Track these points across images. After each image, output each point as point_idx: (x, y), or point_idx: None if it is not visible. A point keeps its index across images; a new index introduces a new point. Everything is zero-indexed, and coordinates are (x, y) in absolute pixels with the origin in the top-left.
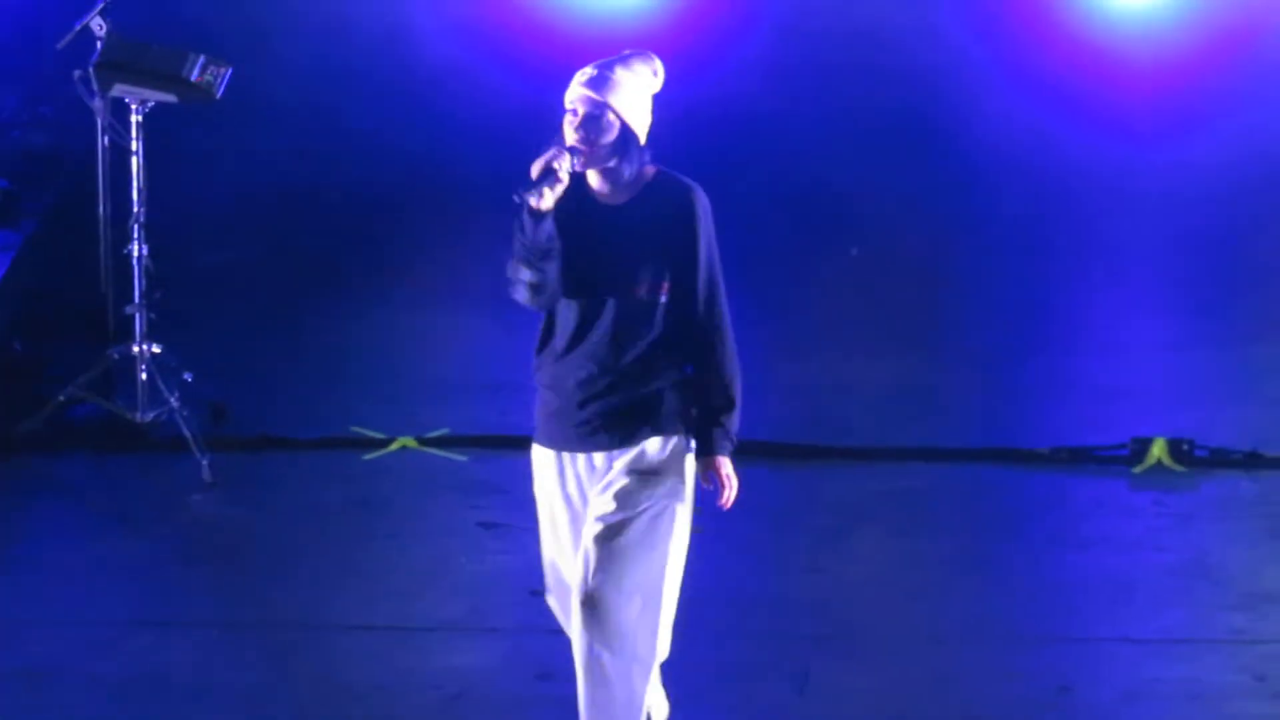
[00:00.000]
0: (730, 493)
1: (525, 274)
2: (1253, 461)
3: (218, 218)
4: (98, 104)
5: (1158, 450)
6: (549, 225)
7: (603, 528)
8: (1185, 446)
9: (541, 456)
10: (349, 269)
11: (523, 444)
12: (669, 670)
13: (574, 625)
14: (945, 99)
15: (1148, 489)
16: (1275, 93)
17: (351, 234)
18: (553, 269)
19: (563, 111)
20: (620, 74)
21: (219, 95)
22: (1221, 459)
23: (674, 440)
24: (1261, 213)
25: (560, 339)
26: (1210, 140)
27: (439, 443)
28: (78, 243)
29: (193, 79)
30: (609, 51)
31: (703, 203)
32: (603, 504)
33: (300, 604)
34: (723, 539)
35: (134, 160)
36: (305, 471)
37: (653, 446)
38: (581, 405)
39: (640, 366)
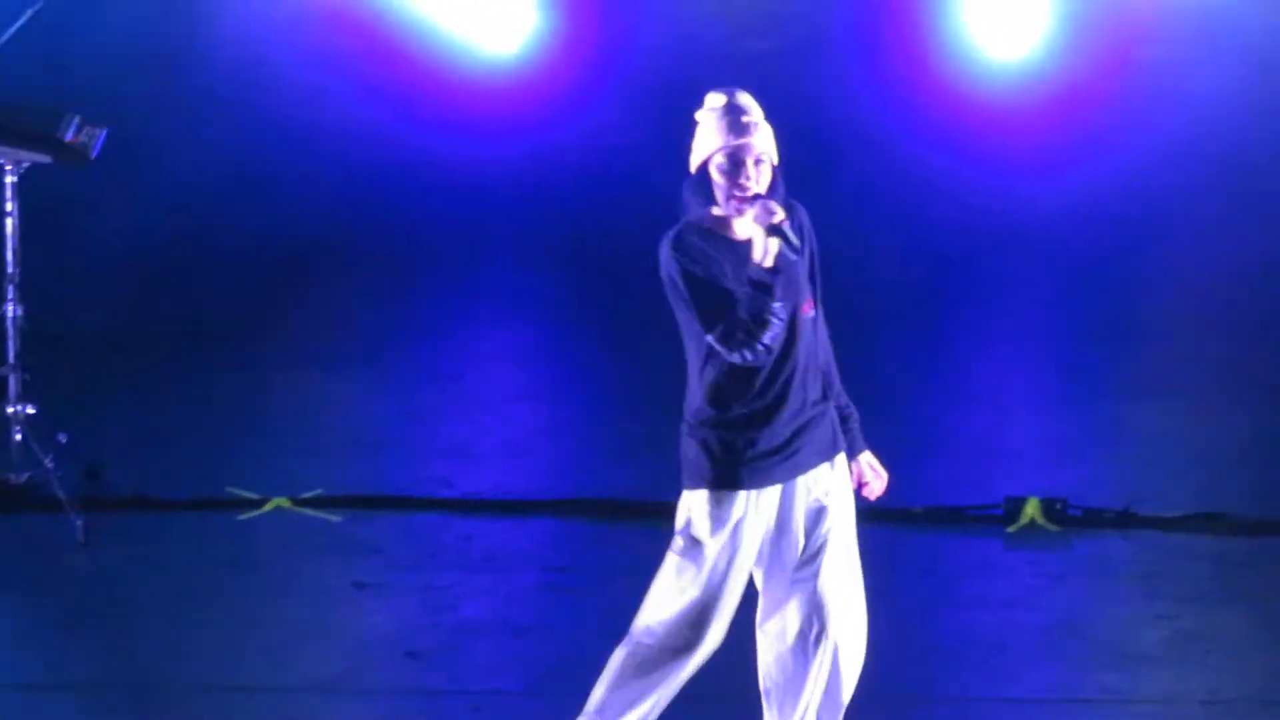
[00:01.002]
0: (884, 480)
1: (763, 339)
2: (1126, 520)
3: (93, 278)
4: None
5: (1031, 510)
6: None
7: (829, 552)
8: (1059, 506)
9: (723, 500)
10: (223, 329)
11: (396, 504)
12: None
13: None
14: (823, 148)
15: (1022, 548)
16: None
17: (226, 294)
18: (782, 324)
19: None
20: (752, 114)
21: (94, 156)
22: (1095, 518)
23: (843, 452)
24: (1133, 273)
25: (746, 377)
26: (1085, 192)
27: (313, 503)
28: None
29: (67, 140)
30: (487, 100)
31: (808, 216)
32: (824, 526)
33: (175, 665)
34: (595, 599)
35: (8, 221)
36: (180, 532)
37: (840, 462)
38: (791, 435)
39: (816, 382)
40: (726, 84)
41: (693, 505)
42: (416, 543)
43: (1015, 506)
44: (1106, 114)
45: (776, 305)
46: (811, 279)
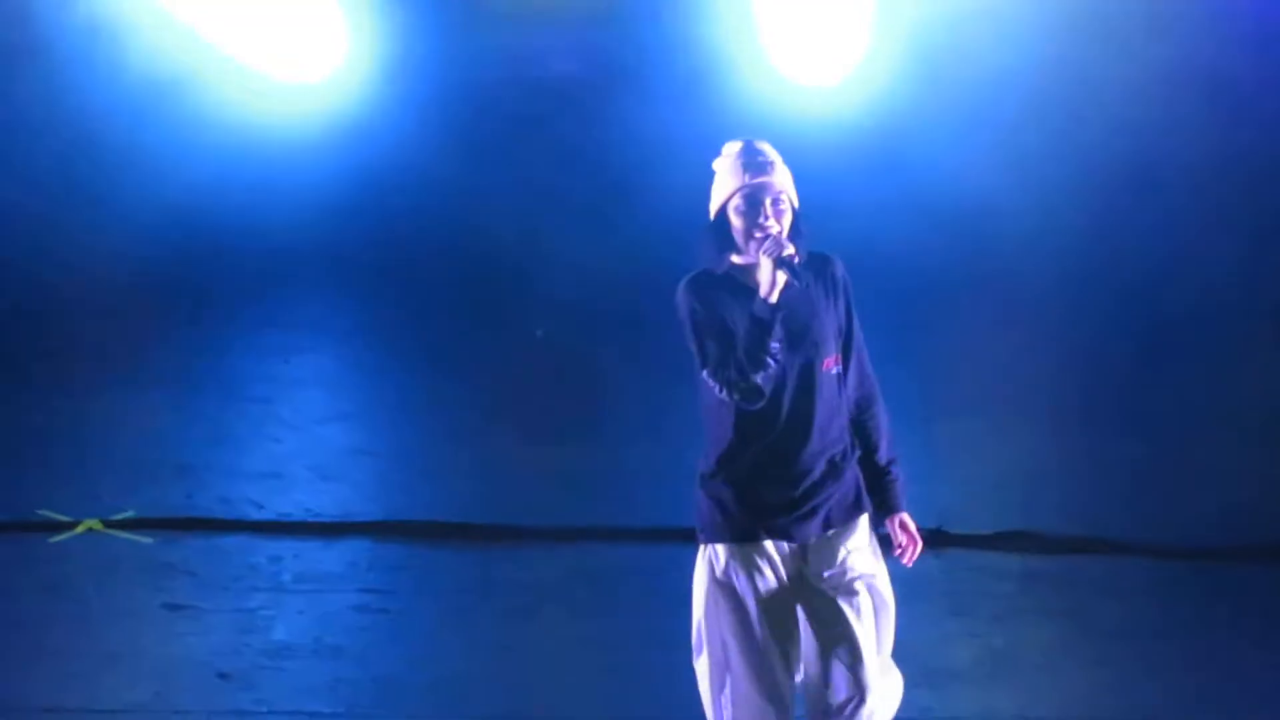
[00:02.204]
0: (919, 546)
1: (755, 377)
2: (937, 539)
3: None
4: None
5: None
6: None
7: (853, 615)
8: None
9: (742, 553)
10: (31, 353)
11: (207, 525)
12: None
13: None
14: (631, 168)
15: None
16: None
17: (33, 316)
18: (776, 365)
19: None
20: (773, 157)
21: None
22: None
23: (868, 513)
24: (940, 292)
25: (761, 427)
26: (891, 210)
27: (125, 525)
28: None
29: None
30: (292, 126)
31: (845, 269)
32: (844, 592)
33: None
34: (409, 620)
35: None
36: None
37: (863, 523)
38: (801, 490)
39: (838, 440)
40: (536, 107)
41: (710, 559)
42: (227, 565)
43: None
44: (913, 133)
45: (774, 344)
46: (845, 335)
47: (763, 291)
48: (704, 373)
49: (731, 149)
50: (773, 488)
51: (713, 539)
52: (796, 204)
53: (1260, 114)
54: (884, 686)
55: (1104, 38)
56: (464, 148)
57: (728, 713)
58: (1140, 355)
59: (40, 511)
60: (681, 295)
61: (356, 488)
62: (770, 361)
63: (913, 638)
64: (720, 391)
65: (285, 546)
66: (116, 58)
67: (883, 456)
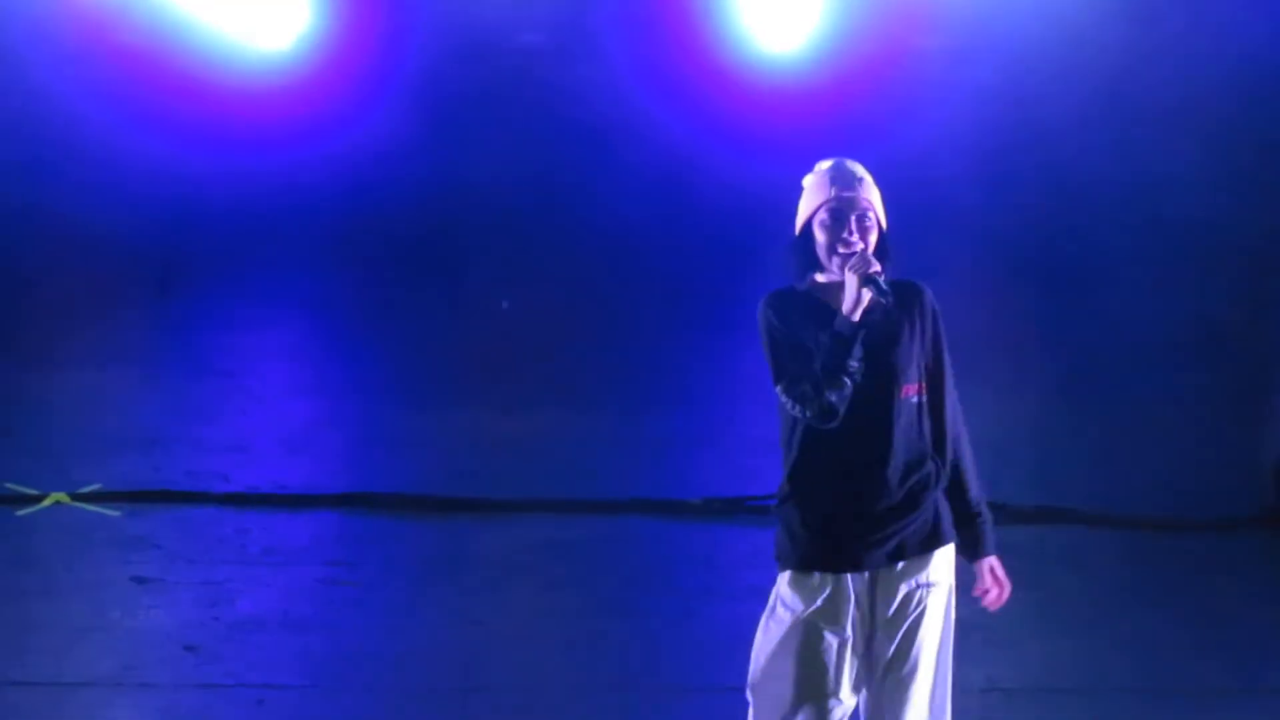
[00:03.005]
0: (1007, 591)
1: (831, 394)
2: None
3: None
4: None
5: None
6: (863, 337)
7: (914, 654)
8: None
9: (804, 581)
10: None
11: (174, 498)
12: None
13: None
14: (595, 141)
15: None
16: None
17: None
18: (853, 384)
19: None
20: (862, 174)
21: None
22: None
23: (952, 546)
24: (902, 267)
25: (839, 453)
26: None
27: (92, 498)
28: None
29: None
30: (256, 98)
31: (933, 297)
32: (921, 623)
33: None
34: (377, 593)
35: None
36: None
37: (942, 555)
38: (874, 517)
39: (917, 468)
40: (500, 76)
41: (780, 585)
42: (194, 537)
43: None
44: (875, 104)
45: (854, 363)
46: (929, 364)
47: (845, 308)
48: (778, 388)
49: (823, 165)
50: (844, 513)
51: (784, 566)
52: (884, 224)
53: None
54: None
55: (1077, 9)
56: (430, 118)
57: None
58: (1104, 326)
59: (7, 484)
60: (761, 310)
61: (323, 460)
62: (848, 381)
63: None
64: (793, 408)
65: (252, 519)
66: (80, 29)
67: (973, 497)
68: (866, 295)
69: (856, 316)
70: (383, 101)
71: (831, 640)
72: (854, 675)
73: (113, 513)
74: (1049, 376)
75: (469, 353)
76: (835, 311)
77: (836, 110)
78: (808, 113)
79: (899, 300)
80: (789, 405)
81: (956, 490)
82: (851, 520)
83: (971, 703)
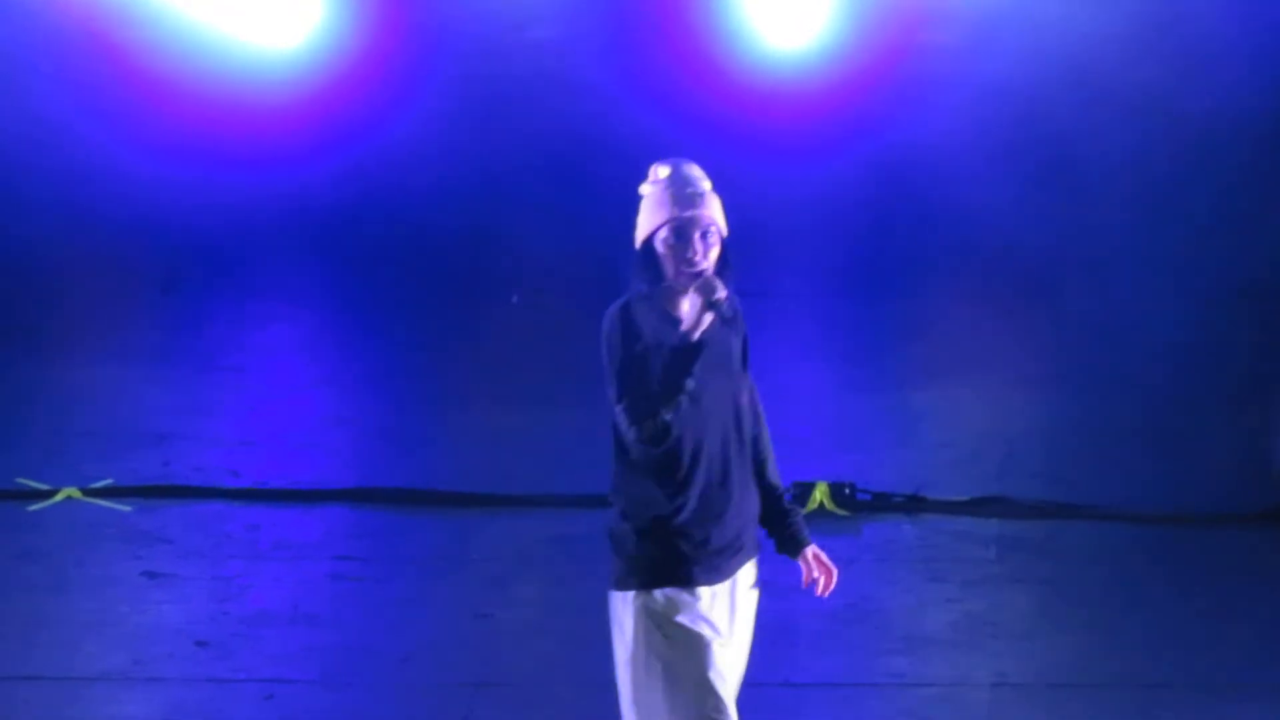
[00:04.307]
0: (835, 574)
1: (665, 413)
2: (915, 505)
3: None
4: None
5: (820, 494)
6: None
7: (741, 649)
8: (847, 490)
9: (689, 596)
10: (7, 324)
11: (183, 494)
12: None
13: None
14: (598, 140)
15: (810, 533)
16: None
17: (6, 289)
18: (689, 404)
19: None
20: (702, 186)
21: None
22: (884, 503)
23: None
24: (916, 261)
25: (695, 470)
26: (862, 178)
27: (103, 493)
28: None
29: None
30: (263, 91)
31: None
32: (741, 626)
33: None
34: (385, 588)
35: None
36: None
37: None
38: (731, 526)
39: (746, 475)
40: (512, 72)
41: (645, 605)
42: (204, 532)
43: (803, 491)
44: (881, 98)
45: (691, 381)
46: (742, 364)
47: (685, 326)
48: (618, 408)
49: (660, 174)
50: (715, 526)
51: (657, 584)
52: (726, 233)
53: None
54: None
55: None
56: (440, 114)
57: None
58: (1120, 318)
59: (18, 480)
60: (608, 324)
61: (333, 455)
62: (683, 399)
63: (889, 604)
64: (629, 429)
65: (262, 514)
66: (85, 28)
67: (781, 490)
68: (708, 318)
69: (696, 336)
70: (397, 96)
71: (720, 652)
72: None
73: (123, 508)
74: (1062, 371)
75: (480, 348)
76: (679, 323)
77: (843, 107)
78: (814, 110)
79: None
80: (624, 426)
81: (768, 487)
82: (721, 531)
83: (981, 697)
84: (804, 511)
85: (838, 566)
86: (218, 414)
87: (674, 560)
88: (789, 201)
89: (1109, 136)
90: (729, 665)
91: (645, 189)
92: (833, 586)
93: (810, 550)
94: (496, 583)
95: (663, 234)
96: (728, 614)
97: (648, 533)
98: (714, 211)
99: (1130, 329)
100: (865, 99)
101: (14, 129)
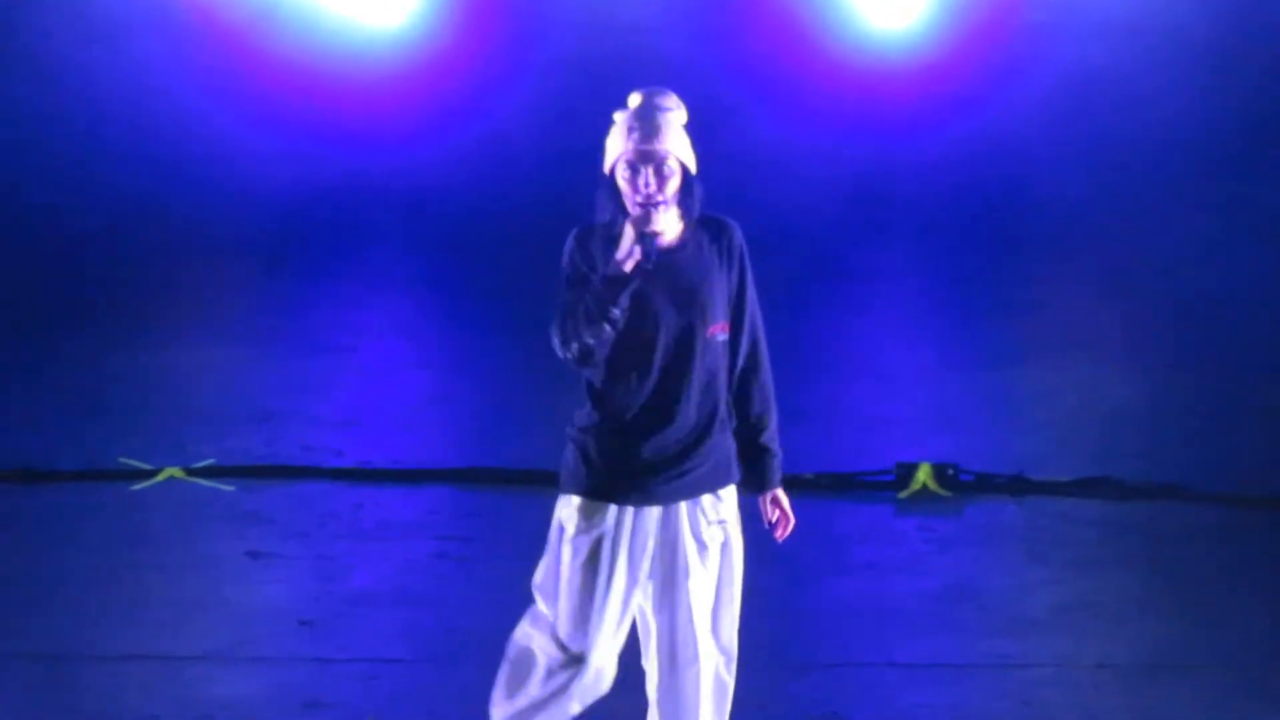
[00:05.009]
0: (792, 524)
1: (588, 336)
2: (1017, 485)
3: None
4: None
5: (923, 475)
6: (631, 289)
7: (702, 585)
8: (950, 471)
9: (594, 510)
10: (113, 303)
11: (287, 474)
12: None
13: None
14: (703, 123)
15: (913, 514)
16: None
17: (121, 267)
18: (613, 332)
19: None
20: (665, 117)
21: None
22: (986, 483)
23: (735, 484)
24: (1015, 240)
25: (629, 387)
26: (963, 160)
27: (206, 473)
28: None
29: None
30: (369, 76)
31: (742, 236)
32: (694, 560)
33: (65, 635)
34: (488, 568)
35: None
36: (72, 503)
37: (727, 494)
38: (662, 454)
39: (712, 407)
40: (609, 52)
41: (564, 511)
42: (308, 512)
43: (907, 472)
44: (979, 78)
45: (615, 310)
46: (735, 304)
47: (619, 256)
48: (551, 325)
49: (631, 104)
50: (642, 449)
51: (569, 490)
52: (692, 164)
53: None
54: (716, 655)
55: None
56: (541, 94)
57: (534, 667)
58: (1222, 301)
59: (122, 459)
60: (567, 246)
61: (436, 435)
62: (608, 327)
63: (992, 585)
64: (558, 347)
65: (365, 494)
66: (186, 11)
67: (762, 430)
68: (638, 251)
69: (628, 267)
70: (499, 76)
71: (610, 567)
72: (625, 606)
73: (226, 488)
74: (1166, 351)
75: None
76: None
77: (942, 87)
78: (913, 90)
79: (709, 237)
80: (555, 343)
81: (747, 424)
82: (649, 455)
83: (1084, 679)
84: (904, 493)
85: (940, 547)
86: (322, 393)
87: (583, 471)
88: (889, 182)
89: (1208, 119)
90: (620, 599)
91: (616, 117)
92: (788, 532)
93: (771, 494)
94: None
95: (619, 166)
96: (654, 547)
97: (572, 440)
98: (672, 144)
99: (1237, 309)
100: (964, 79)
101: (128, 110)
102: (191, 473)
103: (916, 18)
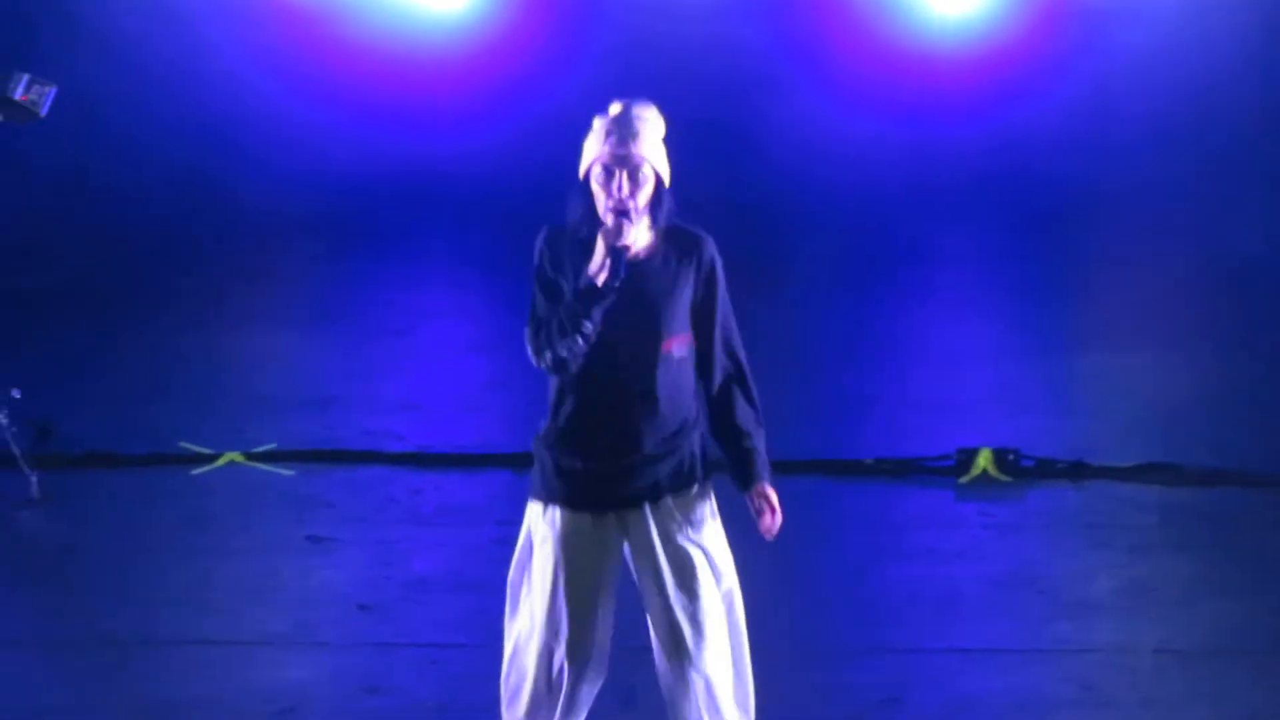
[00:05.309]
0: (779, 517)
1: (562, 349)
2: (1077, 471)
3: (43, 237)
4: None
5: (983, 461)
6: (604, 304)
7: (682, 590)
8: (1010, 457)
9: (557, 516)
10: (173, 288)
11: (347, 458)
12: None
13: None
14: (764, 111)
15: (973, 500)
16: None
17: (180, 253)
18: (585, 345)
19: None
20: (642, 125)
21: (43, 114)
22: (1047, 469)
23: (708, 484)
24: (1078, 226)
25: (588, 396)
26: (1027, 145)
27: (266, 457)
28: None
29: (16, 97)
30: (428, 78)
31: (713, 246)
32: (673, 565)
33: (127, 620)
34: None
35: None
36: (133, 487)
37: (694, 496)
38: (621, 461)
39: (676, 416)
40: (676, 36)
41: (530, 516)
42: (368, 497)
43: (967, 458)
44: (1041, 62)
45: (588, 324)
46: (705, 316)
47: (592, 270)
48: (526, 331)
49: (611, 111)
50: (597, 457)
51: (532, 496)
52: (666, 175)
53: None
54: (714, 653)
55: None
56: (602, 76)
57: (525, 671)
58: (1270, 288)
59: (182, 444)
60: (537, 244)
61: (496, 420)
62: (580, 340)
63: (1053, 570)
64: (532, 355)
65: (425, 479)
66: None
67: (742, 432)
68: (608, 266)
69: (600, 281)
70: (564, 60)
71: (572, 574)
72: (594, 605)
73: (287, 472)
74: (1226, 337)
75: None
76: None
77: (1003, 71)
78: (973, 74)
79: (679, 251)
80: (529, 351)
81: (727, 428)
82: (605, 464)
83: (1143, 664)
84: (964, 478)
85: (1001, 532)
86: (381, 378)
87: (542, 476)
88: (952, 167)
89: (1271, 102)
90: (593, 599)
91: (595, 122)
92: (775, 527)
93: (758, 488)
94: None
95: (595, 170)
96: (626, 550)
97: (536, 446)
98: (648, 150)
99: None
100: (1023, 63)
101: (191, 92)
102: (252, 457)
103: (977, 3)
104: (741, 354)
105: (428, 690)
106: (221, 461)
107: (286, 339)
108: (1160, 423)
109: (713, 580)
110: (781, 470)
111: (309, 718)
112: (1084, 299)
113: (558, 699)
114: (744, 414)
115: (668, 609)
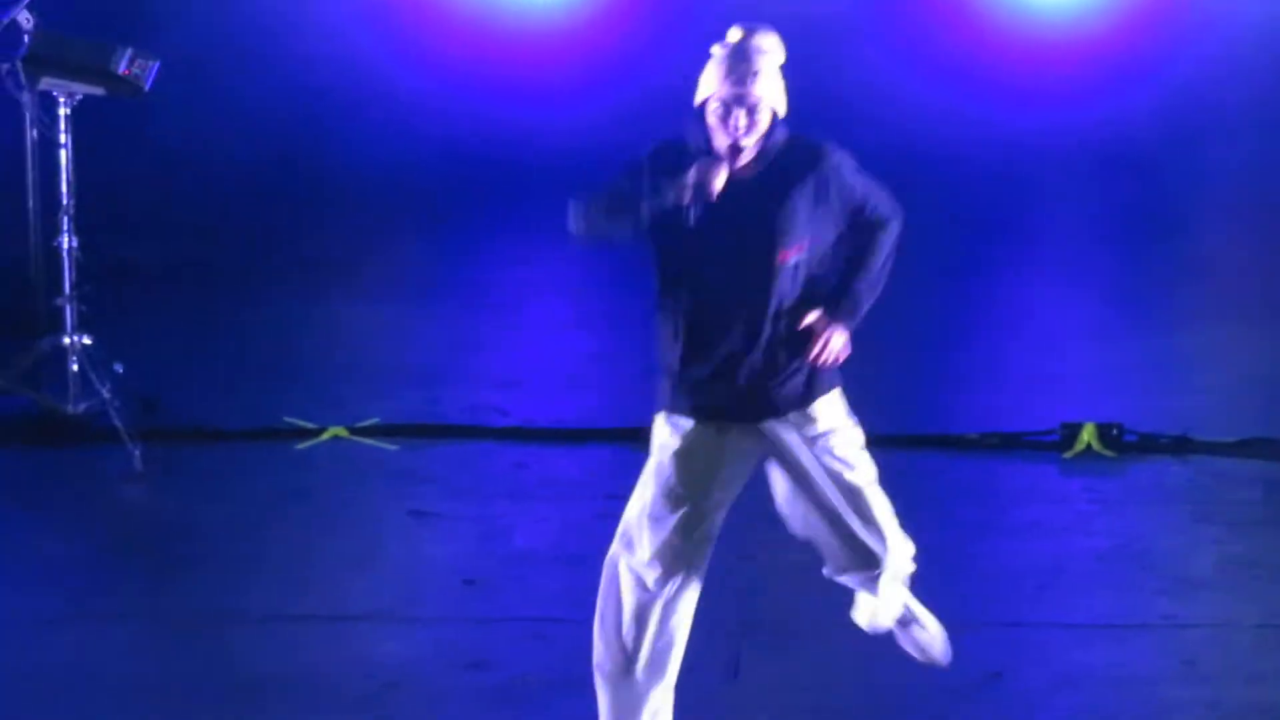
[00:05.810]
0: (825, 354)
1: (607, 219)
2: (1182, 446)
3: (147, 211)
4: (26, 98)
5: (1087, 435)
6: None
7: (831, 483)
8: (1115, 432)
9: (684, 426)
10: (278, 262)
11: (450, 433)
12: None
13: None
14: (868, 87)
15: (1077, 474)
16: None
17: (284, 226)
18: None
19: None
20: (762, 62)
21: (147, 88)
22: (1151, 444)
23: (835, 391)
24: (1185, 204)
25: (710, 311)
26: (1128, 121)
27: (369, 432)
28: (7, 236)
29: (120, 72)
30: (535, 51)
31: (837, 152)
32: (806, 471)
33: (231, 594)
34: None
35: (62, 153)
36: (237, 461)
37: (824, 404)
38: (742, 374)
39: (789, 330)
40: (768, 13)
41: (655, 427)
42: (471, 471)
43: (1071, 432)
44: (1140, 43)
45: (644, 211)
46: (845, 215)
47: (681, 186)
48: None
49: (730, 40)
50: (721, 369)
51: (658, 408)
52: (781, 109)
53: None
54: (894, 546)
55: None
56: (700, 60)
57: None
58: None
59: (287, 419)
60: (642, 154)
61: (600, 395)
62: (626, 220)
63: (1155, 545)
64: (571, 214)
65: (528, 453)
66: None
67: (850, 268)
68: (690, 191)
69: (685, 199)
70: (658, 41)
71: (688, 480)
72: (704, 519)
73: (390, 447)
74: None
75: None
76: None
77: (1112, 50)
78: (1079, 55)
79: (797, 163)
80: (571, 211)
81: (844, 265)
82: (728, 375)
83: (1245, 639)
84: (1068, 453)
85: (1105, 507)
86: (485, 352)
87: (667, 389)
88: (1057, 147)
89: None
90: (699, 513)
91: (713, 49)
92: (824, 358)
93: (817, 313)
94: (761, 522)
95: (712, 104)
96: (729, 466)
97: (663, 364)
98: (763, 88)
99: None
100: (1134, 42)
101: (299, 64)
102: (355, 432)
103: None
104: (886, 208)
105: (532, 665)
106: (325, 436)
107: (390, 313)
108: (1264, 398)
109: (855, 474)
110: (886, 445)
111: (412, 692)
112: (1190, 275)
113: (650, 615)
114: (864, 254)
115: (819, 502)
